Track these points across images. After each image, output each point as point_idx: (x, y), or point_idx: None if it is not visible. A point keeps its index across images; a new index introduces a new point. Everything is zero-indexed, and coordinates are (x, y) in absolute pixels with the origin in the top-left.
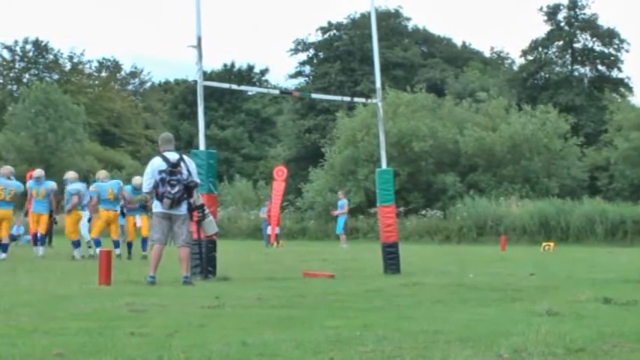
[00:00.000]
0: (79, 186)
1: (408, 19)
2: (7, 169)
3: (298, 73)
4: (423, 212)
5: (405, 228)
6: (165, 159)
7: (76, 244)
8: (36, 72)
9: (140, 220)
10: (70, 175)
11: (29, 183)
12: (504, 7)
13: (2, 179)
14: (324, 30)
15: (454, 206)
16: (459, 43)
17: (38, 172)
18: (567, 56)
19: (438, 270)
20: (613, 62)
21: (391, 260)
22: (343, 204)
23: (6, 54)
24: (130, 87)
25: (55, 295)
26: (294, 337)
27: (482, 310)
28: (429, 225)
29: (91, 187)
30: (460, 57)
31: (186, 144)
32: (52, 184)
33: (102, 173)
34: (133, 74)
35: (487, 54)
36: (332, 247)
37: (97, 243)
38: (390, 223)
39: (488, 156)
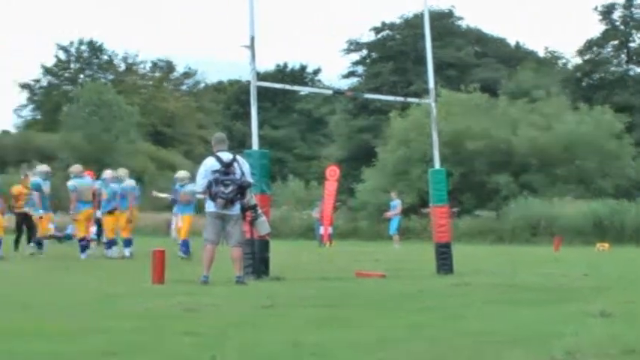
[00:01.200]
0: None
1: (461, 18)
2: (79, 168)
3: (351, 73)
4: (476, 212)
5: (457, 228)
6: (219, 159)
7: (126, 242)
8: (90, 72)
9: (182, 220)
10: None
11: (99, 183)
12: (559, 7)
13: (83, 179)
14: (377, 30)
15: (507, 206)
16: (512, 42)
17: (108, 173)
18: (622, 56)
19: (490, 270)
20: None
21: (444, 260)
22: (396, 204)
23: (61, 55)
24: (183, 87)
25: (108, 294)
26: (345, 337)
27: (534, 310)
28: (481, 225)
29: (127, 182)
30: (514, 57)
31: (238, 144)
32: (129, 182)
33: (122, 170)
34: (187, 74)
35: (541, 54)
36: (384, 248)
37: (113, 242)
38: (443, 224)
39: (542, 156)
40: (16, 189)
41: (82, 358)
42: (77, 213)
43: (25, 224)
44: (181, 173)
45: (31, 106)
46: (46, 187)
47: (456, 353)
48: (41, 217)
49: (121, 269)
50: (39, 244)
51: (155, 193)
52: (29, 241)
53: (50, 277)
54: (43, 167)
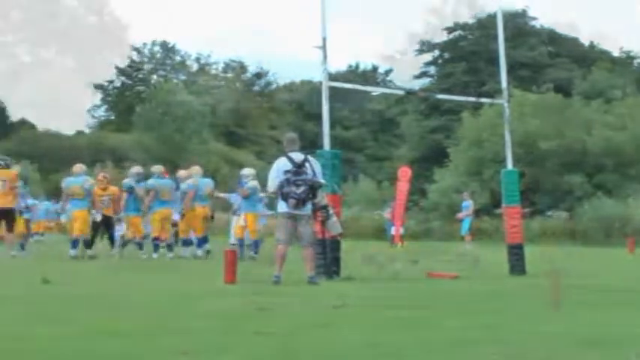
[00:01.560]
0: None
1: (535, 18)
2: (161, 168)
3: (423, 74)
4: (549, 213)
5: (530, 229)
6: (291, 159)
7: (200, 242)
8: (163, 73)
9: (246, 218)
10: (157, 169)
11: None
12: (634, 6)
13: (163, 179)
14: (449, 30)
15: (581, 207)
16: (586, 42)
17: (182, 173)
18: None
19: (564, 271)
20: None
21: (516, 261)
22: (468, 205)
23: (135, 56)
24: (255, 88)
25: (180, 294)
26: (417, 338)
27: (609, 312)
28: (555, 226)
29: (190, 181)
30: (587, 57)
31: (310, 144)
32: (192, 180)
33: (195, 169)
34: (259, 75)
35: (615, 53)
36: (456, 248)
37: (202, 242)
38: (515, 224)
39: (616, 156)
40: None
41: (156, 357)
42: (153, 212)
43: (104, 225)
44: (246, 170)
45: (104, 107)
46: (139, 188)
47: (529, 355)
48: (128, 218)
49: (193, 269)
50: (123, 245)
51: (216, 193)
52: (112, 244)
53: (123, 277)
54: (137, 169)
